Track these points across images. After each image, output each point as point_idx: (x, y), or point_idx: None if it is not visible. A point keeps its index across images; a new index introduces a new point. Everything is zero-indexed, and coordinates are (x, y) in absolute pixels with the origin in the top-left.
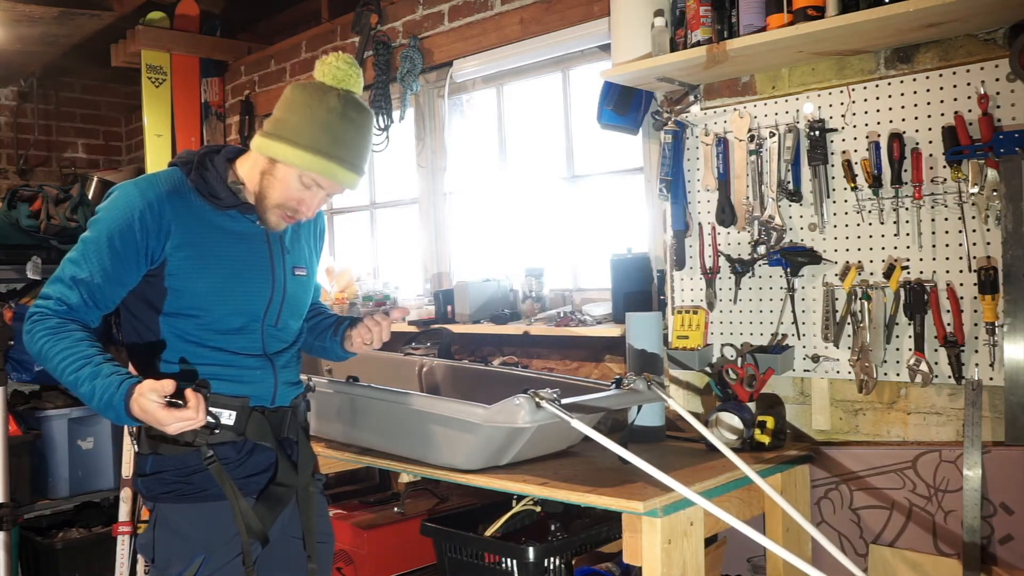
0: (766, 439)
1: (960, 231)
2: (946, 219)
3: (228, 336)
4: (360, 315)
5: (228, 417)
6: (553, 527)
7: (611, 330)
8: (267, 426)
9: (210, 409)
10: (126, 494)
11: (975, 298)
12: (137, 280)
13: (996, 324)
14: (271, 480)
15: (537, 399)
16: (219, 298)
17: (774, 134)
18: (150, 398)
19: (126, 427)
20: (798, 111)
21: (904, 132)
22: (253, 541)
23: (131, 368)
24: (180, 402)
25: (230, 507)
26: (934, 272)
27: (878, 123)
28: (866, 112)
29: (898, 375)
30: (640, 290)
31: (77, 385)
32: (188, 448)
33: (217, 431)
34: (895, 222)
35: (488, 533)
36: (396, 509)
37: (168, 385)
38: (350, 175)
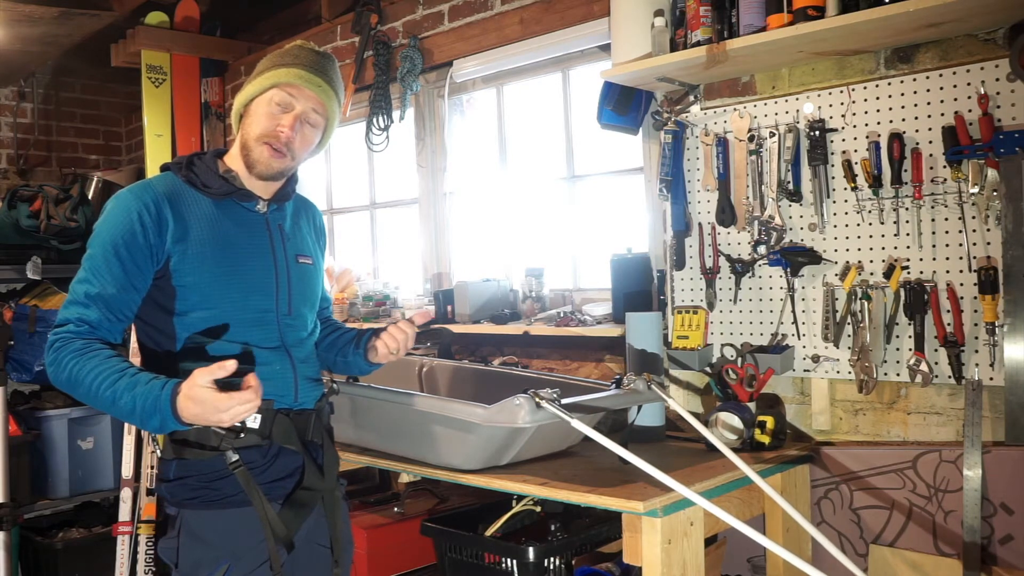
0: (766, 439)
1: (960, 231)
2: (946, 219)
3: (244, 328)
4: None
5: (253, 420)
6: (553, 527)
7: (611, 330)
8: (292, 429)
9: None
10: (126, 494)
11: (975, 298)
12: (147, 284)
13: (996, 324)
14: (297, 484)
15: (537, 399)
16: (226, 287)
17: (774, 134)
18: (202, 383)
19: (134, 429)
20: (798, 111)
21: (904, 132)
22: (279, 548)
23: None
24: (235, 381)
25: (255, 513)
26: (934, 272)
27: (878, 123)
28: (866, 112)
29: (898, 375)
30: (640, 290)
31: (115, 400)
32: (213, 452)
33: (242, 435)
34: (895, 222)
35: (488, 533)
36: (396, 509)
37: (218, 368)
38: (313, 76)
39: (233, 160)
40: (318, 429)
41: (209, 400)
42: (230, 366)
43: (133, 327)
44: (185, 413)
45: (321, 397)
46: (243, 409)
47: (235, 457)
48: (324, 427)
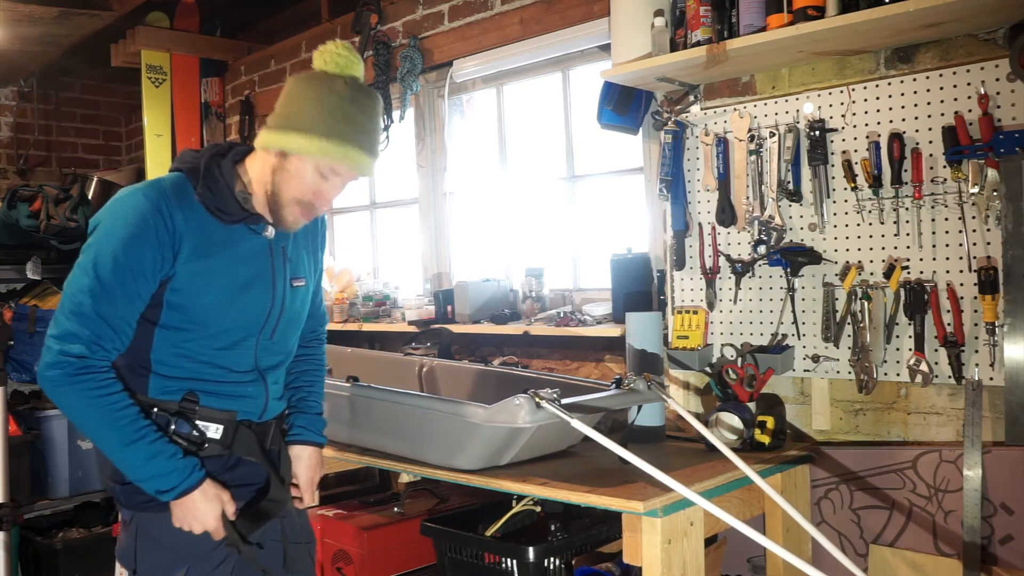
0: (766, 439)
1: (960, 231)
2: (946, 219)
3: (220, 352)
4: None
5: (215, 431)
6: (553, 527)
7: (611, 330)
8: (254, 441)
9: (196, 423)
10: None
11: (975, 298)
12: (153, 292)
13: (996, 324)
14: (262, 495)
15: (537, 399)
16: (219, 314)
17: (774, 134)
18: (224, 499)
19: None
20: (798, 111)
21: (904, 132)
22: (232, 550)
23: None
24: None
25: None
26: (934, 272)
27: (878, 123)
28: (866, 112)
29: (898, 375)
30: (640, 290)
31: (126, 457)
32: None
33: (206, 445)
34: (895, 222)
35: (488, 533)
36: (396, 509)
37: (231, 507)
38: (368, 159)
39: (255, 176)
40: (276, 437)
41: (213, 513)
42: (230, 509)
43: None
44: (190, 495)
45: (283, 408)
46: (208, 531)
47: None
48: (281, 433)
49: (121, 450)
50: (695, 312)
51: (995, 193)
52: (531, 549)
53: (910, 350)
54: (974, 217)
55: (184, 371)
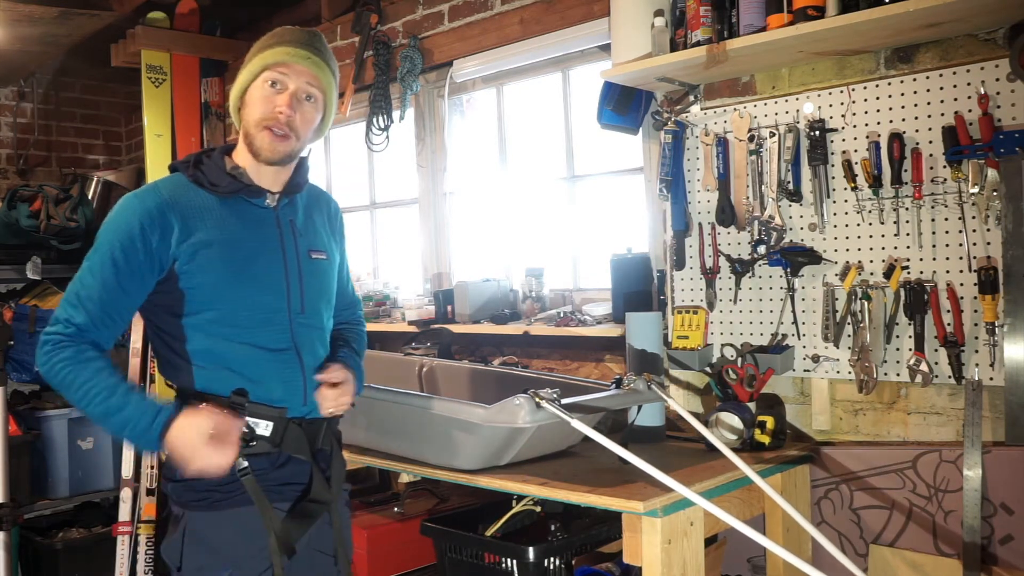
0: (766, 439)
1: (960, 231)
2: (946, 219)
3: (254, 330)
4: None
5: (265, 428)
6: (553, 527)
7: (611, 330)
8: (303, 439)
9: (247, 419)
10: (126, 494)
11: (975, 298)
12: (146, 290)
13: (996, 324)
14: (304, 494)
15: (537, 399)
16: (234, 286)
17: (774, 134)
18: (204, 415)
19: None
20: (798, 111)
21: (904, 132)
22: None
23: (163, 381)
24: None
25: (259, 518)
26: (934, 272)
27: (878, 123)
28: (866, 112)
29: (898, 375)
30: (640, 290)
31: (107, 416)
32: None
33: (253, 443)
34: (895, 222)
35: (488, 533)
36: (396, 509)
37: (223, 419)
38: (301, 50)
39: (240, 155)
40: (328, 437)
41: (205, 423)
42: (222, 422)
43: (138, 331)
44: (175, 422)
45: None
46: (210, 468)
47: (244, 464)
48: (333, 433)
49: (103, 404)
50: (695, 312)
51: (995, 193)
52: (531, 549)
53: (910, 350)
54: (974, 217)
55: (222, 358)
